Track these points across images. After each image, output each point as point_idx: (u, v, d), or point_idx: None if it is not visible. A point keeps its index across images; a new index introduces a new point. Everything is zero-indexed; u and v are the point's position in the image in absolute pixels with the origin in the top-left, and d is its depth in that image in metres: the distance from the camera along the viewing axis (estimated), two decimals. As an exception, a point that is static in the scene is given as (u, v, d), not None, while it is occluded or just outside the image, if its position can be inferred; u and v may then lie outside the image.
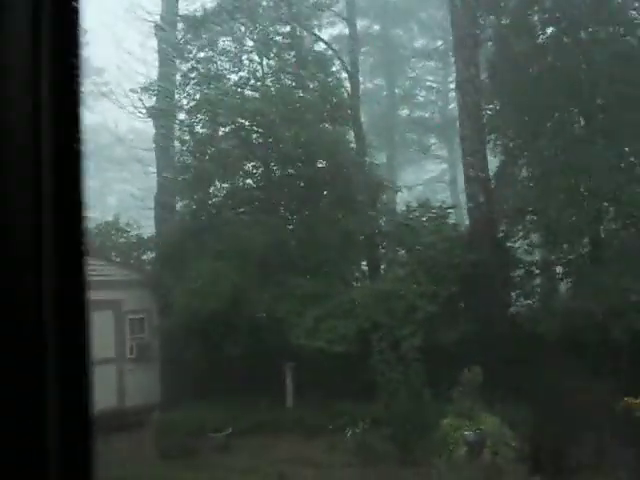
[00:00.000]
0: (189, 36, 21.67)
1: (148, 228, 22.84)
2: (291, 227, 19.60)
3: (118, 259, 20.05)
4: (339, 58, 23.66)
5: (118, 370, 17.01)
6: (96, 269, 15.76)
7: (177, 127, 21.31)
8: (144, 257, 22.13)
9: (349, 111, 20.94)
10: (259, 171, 19.84)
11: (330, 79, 20.96)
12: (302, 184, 19.22)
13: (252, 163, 19.59)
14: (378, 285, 17.42)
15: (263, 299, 16.70)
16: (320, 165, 19.11)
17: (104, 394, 14.17)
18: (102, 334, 15.05)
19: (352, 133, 21.25)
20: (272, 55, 21.25)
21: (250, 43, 21.77)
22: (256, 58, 21.46)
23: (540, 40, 17.44)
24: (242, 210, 19.63)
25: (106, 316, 16.32)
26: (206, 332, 16.35)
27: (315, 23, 23.54)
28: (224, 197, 19.84)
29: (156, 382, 17.74)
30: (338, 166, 18.63)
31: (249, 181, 20.05)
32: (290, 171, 19.32)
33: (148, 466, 13.36)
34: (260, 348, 16.33)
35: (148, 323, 18.17)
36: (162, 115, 21.39)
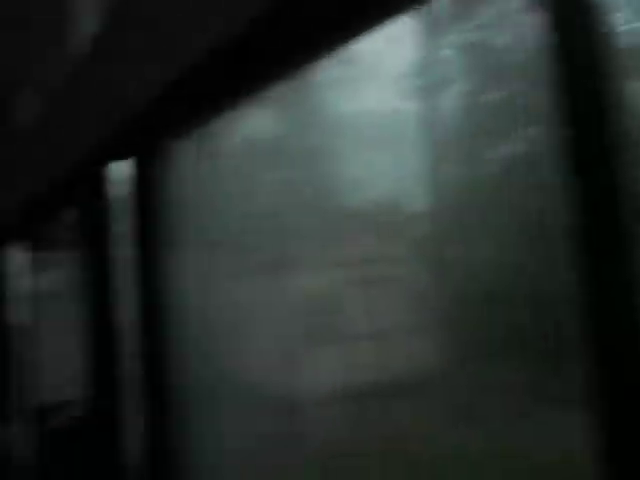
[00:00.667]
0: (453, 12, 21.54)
1: (416, 205, 23.23)
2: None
3: (389, 235, 20.67)
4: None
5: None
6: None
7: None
8: (416, 233, 22.59)
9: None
10: (534, 134, 18.96)
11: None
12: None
13: (528, 128, 18.83)
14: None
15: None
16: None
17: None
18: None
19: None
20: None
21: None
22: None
23: None
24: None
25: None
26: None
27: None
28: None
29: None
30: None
31: (522, 147, 19.33)
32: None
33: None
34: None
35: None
36: (427, 94, 21.56)
